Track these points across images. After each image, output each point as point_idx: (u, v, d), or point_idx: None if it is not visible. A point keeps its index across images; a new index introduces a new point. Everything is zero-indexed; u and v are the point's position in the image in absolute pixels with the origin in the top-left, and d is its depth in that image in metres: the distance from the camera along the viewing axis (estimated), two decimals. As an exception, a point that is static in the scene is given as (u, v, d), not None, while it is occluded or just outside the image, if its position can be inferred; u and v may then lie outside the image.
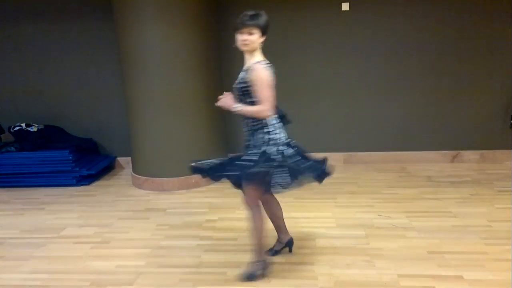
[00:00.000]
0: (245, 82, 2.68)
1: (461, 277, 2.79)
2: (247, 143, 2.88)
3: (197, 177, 4.74)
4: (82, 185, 5.08)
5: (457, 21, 4.96)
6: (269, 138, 2.74)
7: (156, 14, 4.39)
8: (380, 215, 3.80)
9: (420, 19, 5.00)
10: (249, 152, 2.79)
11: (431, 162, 5.33)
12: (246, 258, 3.15)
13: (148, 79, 4.54)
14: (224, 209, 4.18)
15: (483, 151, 5.28)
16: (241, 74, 2.74)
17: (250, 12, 2.64)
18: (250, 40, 2.65)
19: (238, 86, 2.72)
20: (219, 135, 5.13)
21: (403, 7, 4.99)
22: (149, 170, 4.83)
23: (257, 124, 2.76)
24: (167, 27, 4.42)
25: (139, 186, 4.92)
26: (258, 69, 2.63)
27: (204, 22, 4.68)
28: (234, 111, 2.71)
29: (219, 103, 2.77)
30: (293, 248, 3.23)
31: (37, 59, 5.53)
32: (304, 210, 3.93)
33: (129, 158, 5.29)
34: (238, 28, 2.65)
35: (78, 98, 5.61)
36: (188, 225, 3.85)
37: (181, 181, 4.76)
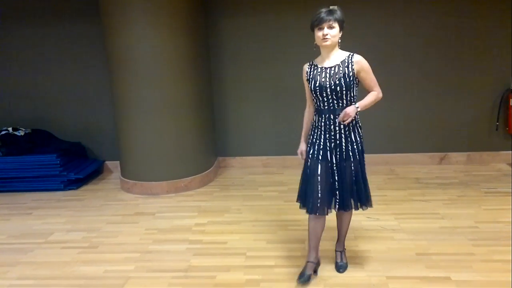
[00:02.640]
0: (350, 76, 2.62)
1: (448, 278, 2.82)
2: (335, 143, 2.71)
3: (186, 181, 4.76)
4: (70, 189, 5.03)
5: (444, 24, 5.02)
6: (363, 133, 2.81)
7: (144, 17, 4.37)
8: (369, 218, 3.81)
9: (406, 23, 5.05)
10: (351, 154, 2.73)
11: (419, 164, 5.38)
12: (236, 261, 3.16)
13: (136, 83, 4.52)
14: (213, 212, 4.17)
15: (470, 153, 5.33)
16: (337, 70, 2.63)
17: (325, 8, 2.60)
18: (332, 34, 2.58)
19: (342, 82, 2.60)
20: (207, 138, 5.13)
21: (391, 11, 5.04)
22: (137, 174, 4.80)
23: (355, 120, 2.75)
24: (155, 31, 4.41)
25: (127, 190, 4.89)
26: (362, 58, 2.67)
27: (192, 25, 4.67)
28: (358, 111, 2.66)
29: (348, 119, 2.60)
30: (282, 250, 3.23)
31: (24, 63, 5.49)
32: (294, 213, 3.93)
33: (117, 162, 5.25)
34: (317, 24, 2.59)
35: (66, 101, 5.57)
36: (177, 229, 3.83)
37: (170, 185, 4.74)
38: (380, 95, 2.79)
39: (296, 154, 2.96)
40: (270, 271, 3.01)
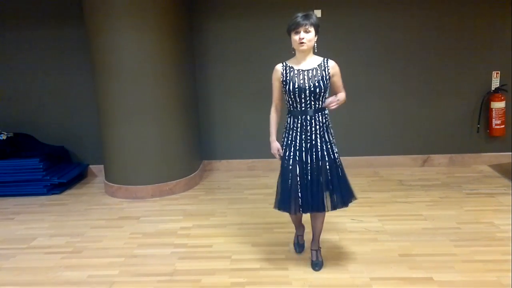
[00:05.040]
0: (327, 79, 2.80)
1: (431, 279, 2.86)
2: (310, 143, 2.84)
3: (171, 184, 4.75)
4: (53, 194, 4.97)
5: (426, 28, 5.09)
6: (333, 134, 2.94)
7: (128, 21, 4.35)
8: (353, 219, 3.85)
9: (389, 26, 5.11)
10: (326, 153, 2.85)
11: (402, 166, 5.44)
12: (221, 265, 3.16)
13: (120, 86, 4.49)
14: (198, 216, 4.16)
15: (452, 155, 5.41)
16: (315, 73, 2.79)
17: (302, 13, 2.71)
18: (308, 39, 2.70)
19: (321, 84, 2.76)
20: (192, 141, 5.12)
21: (374, 14, 5.10)
22: (122, 178, 4.77)
23: (327, 119, 2.90)
24: (139, 34, 4.39)
25: (112, 194, 4.85)
26: (335, 63, 2.87)
27: (177, 28, 4.67)
28: (338, 103, 2.86)
29: (329, 105, 2.83)
30: (267, 253, 3.25)
31: (7, 66, 5.41)
32: (279, 216, 3.94)
33: (101, 166, 5.20)
34: (293, 28, 2.71)
35: (49, 105, 5.51)
36: (162, 233, 3.82)
37: (154, 189, 4.72)
38: (345, 98, 2.98)
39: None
40: (255, 274, 3.02)
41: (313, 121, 2.80)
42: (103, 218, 4.23)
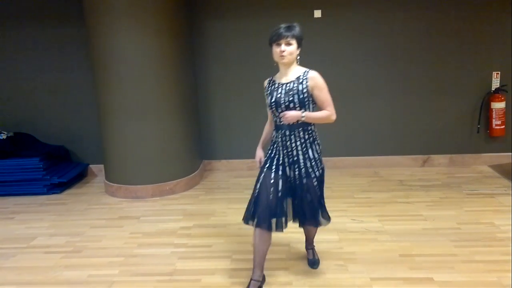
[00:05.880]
0: (304, 93, 2.60)
1: (431, 279, 2.86)
2: (292, 159, 2.70)
3: (171, 184, 4.75)
4: (53, 193, 4.98)
5: (425, 29, 5.09)
6: (321, 150, 2.76)
7: (128, 21, 4.36)
8: (353, 219, 3.85)
9: (390, 25, 5.11)
10: (310, 170, 2.69)
11: (403, 166, 5.44)
12: (221, 265, 3.16)
13: (120, 86, 4.49)
14: (198, 216, 4.16)
15: (452, 155, 5.41)
16: (292, 86, 2.62)
17: (285, 24, 2.58)
18: (289, 51, 2.56)
19: (295, 99, 2.59)
20: (193, 141, 5.12)
21: (374, 14, 5.10)
22: (122, 178, 4.77)
23: (311, 135, 2.71)
24: (139, 34, 4.39)
25: (112, 193, 4.85)
26: (317, 75, 2.64)
27: (177, 29, 4.67)
28: (302, 120, 2.61)
29: (286, 120, 2.58)
30: (268, 254, 3.24)
31: (7, 66, 5.42)
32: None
33: (101, 166, 5.20)
34: (275, 40, 2.58)
35: (49, 104, 5.51)
36: (162, 232, 3.82)
37: (154, 188, 4.72)
38: (333, 117, 2.69)
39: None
40: (255, 273, 3.02)
41: (292, 136, 2.66)
42: (103, 218, 4.23)
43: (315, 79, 2.62)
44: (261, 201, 2.67)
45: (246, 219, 2.77)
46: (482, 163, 5.37)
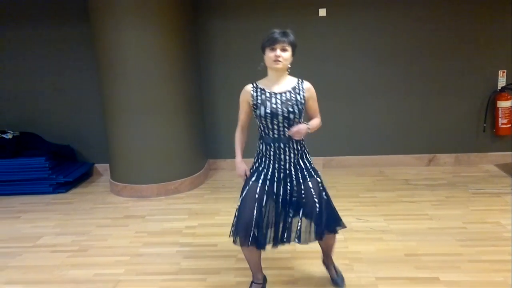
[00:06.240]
0: (302, 103, 2.54)
1: (437, 279, 2.85)
2: (284, 172, 2.58)
3: (176, 183, 4.75)
4: (59, 192, 5.00)
5: (432, 27, 5.07)
6: (310, 157, 2.70)
7: (132, 19, 4.36)
8: (359, 219, 3.84)
9: (395, 24, 5.10)
10: (311, 172, 2.60)
11: (408, 165, 5.42)
12: (226, 264, 3.16)
13: (125, 85, 4.50)
14: (204, 215, 4.17)
15: (458, 154, 5.39)
16: (290, 96, 2.52)
17: (279, 30, 2.47)
18: (284, 57, 2.47)
19: (295, 109, 2.49)
20: (198, 140, 5.12)
21: (379, 13, 5.08)
22: (127, 177, 4.78)
23: (303, 146, 2.63)
24: (144, 33, 4.40)
25: (117, 193, 4.87)
26: (311, 85, 2.62)
27: (182, 27, 4.68)
28: (307, 132, 2.53)
29: (298, 136, 2.49)
30: (273, 253, 3.24)
31: (12, 65, 5.44)
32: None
33: (107, 165, 5.23)
34: (269, 44, 2.46)
35: (55, 104, 5.53)
36: (167, 231, 3.83)
37: (160, 188, 4.73)
38: (320, 124, 2.70)
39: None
40: (260, 273, 3.02)
41: (287, 149, 2.54)
42: (108, 217, 4.24)
43: (311, 90, 2.60)
44: (244, 218, 2.51)
45: (234, 238, 2.59)
46: (488, 162, 5.35)
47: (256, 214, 2.49)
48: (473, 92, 5.21)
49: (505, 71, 5.11)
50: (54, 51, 5.37)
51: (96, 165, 5.71)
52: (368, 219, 3.86)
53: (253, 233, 2.48)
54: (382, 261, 3.11)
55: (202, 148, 5.29)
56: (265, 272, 2.92)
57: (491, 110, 5.21)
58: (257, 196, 2.53)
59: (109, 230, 3.93)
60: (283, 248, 3.31)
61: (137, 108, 4.54)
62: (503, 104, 5.08)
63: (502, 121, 5.12)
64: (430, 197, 4.34)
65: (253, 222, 2.48)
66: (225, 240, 3.56)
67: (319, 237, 2.55)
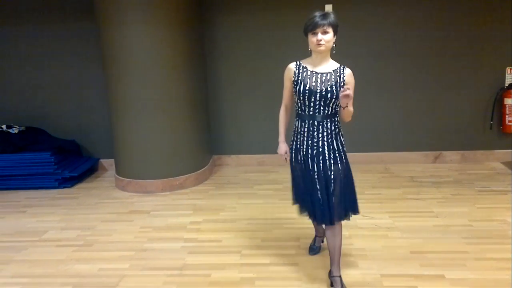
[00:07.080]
0: (340, 86, 2.57)
1: (443, 276, 2.83)
2: (317, 150, 2.63)
3: (181, 179, 4.76)
4: (64, 187, 5.01)
5: (440, 23, 5.03)
6: (345, 143, 2.77)
7: (139, 15, 4.35)
8: (364, 216, 3.83)
9: (402, 20, 5.06)
10: (338, 159, 2.66)
11: (414, 162, 5.40)
12: (231, 260, 3.16)
13: (131, 80, 4.50)
14: (208, 211, 4.16)
15: (464, 151, 5.36)
16: (329, 77, 2.58)
17: (319, 12, 2.50)
18: (326, 40, 2.50)
19: (334, 89, 2.55)
20: (203, 136, 5.12)
21: (386, 8, 5.05)
22: (132, 172, 4.79)
23: (337, 127, 2.69)
24: (150, 29, 4.39)
25: (122, 188, 4.88)
26: (351, 72, 2.66)
27: (188, 23, 4.66)
28: (345, 107, 2.63)
29: (343, 96, 2.49)
30: (277, 248, 3.24)
31: (19, 60, 5.45)
32: (288, 211, 3.93)
33: (112, 160, 5.23)
34: (311, 29, 2.50)
35: (61, 99, 5.54)
36: (172, 227, 3.83)
37: (165, 183, 4.73)
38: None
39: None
40: (265, 269, 3.02)
41: (320, 127, 2.60)
42: (113, 212, 4.25)
43: (351, 76, 2.65)
44: (298, 194, 2.80)
45: (295, 203, 2.89)
46: (495, 160, 5.31)
47: (304, 193, 2.74)
48: (480, 89, 5.18)
49: (513, 68, 5.08)
50: (59, 46, 5.38)
51: (101, 160, 5.72)
52: (374, 216, 3.84)
53: (308, 209, 2.75)
54: (387, 258, 3.10)
55: (207, 144, 5.29)
56: (269, 267, 2.92)
57: (498, 107, 5.17)
58: (299, 174, 2.74)
59: (114, 225, 3.94)
60: (287, 244, 3.34)
61: (142, 104, 4.54)
62: (510, 101, 5.03)
63: (509, 119, 5.07)
64: (436, 195, 4.31)
65: (306, 201, 2.73)
66: (229, 236, 3.58)
67: (330, 221, 2.64)
